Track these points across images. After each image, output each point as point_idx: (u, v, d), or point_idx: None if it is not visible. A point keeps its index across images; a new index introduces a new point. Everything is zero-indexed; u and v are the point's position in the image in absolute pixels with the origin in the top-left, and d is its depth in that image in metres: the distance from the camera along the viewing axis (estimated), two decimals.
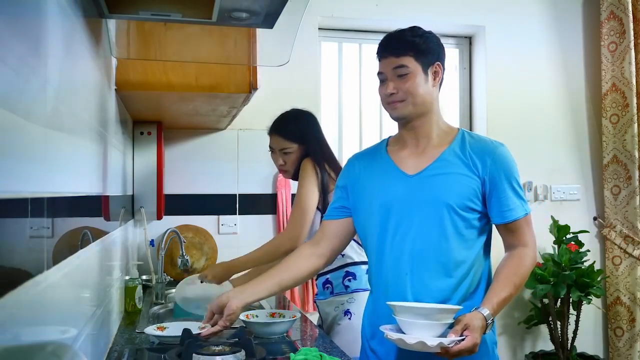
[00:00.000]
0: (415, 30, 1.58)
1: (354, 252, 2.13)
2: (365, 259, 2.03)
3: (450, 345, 1.32)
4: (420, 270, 1.51)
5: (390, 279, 1.56)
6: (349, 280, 2.12)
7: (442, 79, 1.61)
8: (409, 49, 1.54)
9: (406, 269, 1.53)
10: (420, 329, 1.36)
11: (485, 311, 1.40)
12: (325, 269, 2.06)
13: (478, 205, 1.52)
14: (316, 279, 2.22)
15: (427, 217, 1.51)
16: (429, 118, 1.58)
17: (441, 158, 1.55)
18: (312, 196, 2.09)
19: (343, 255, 2.10)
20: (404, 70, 1.54)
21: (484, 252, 1.57)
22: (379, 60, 1.58)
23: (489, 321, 1.40)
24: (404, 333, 1.38)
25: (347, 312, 2.08)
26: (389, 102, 1.57)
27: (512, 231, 1.55)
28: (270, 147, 2.25)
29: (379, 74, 1.59)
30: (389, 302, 1.45)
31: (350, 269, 2.13)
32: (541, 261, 3.17)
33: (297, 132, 2.18)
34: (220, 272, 2.14)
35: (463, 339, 1.34)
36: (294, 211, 2.12)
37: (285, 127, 2.20)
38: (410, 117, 1.58)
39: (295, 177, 2.21)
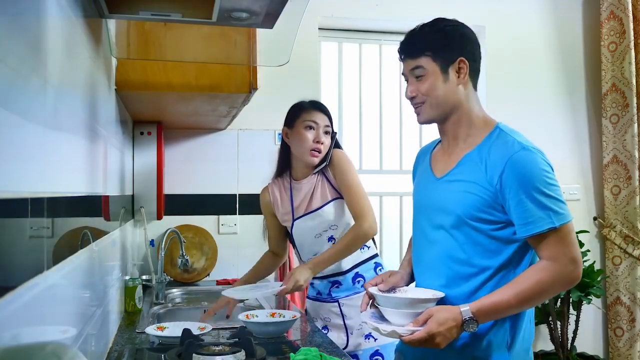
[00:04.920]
0: (435, 25, 1.50)
1: (372, 244, 2.21)
2: (376, 250, 2.22)
3: (403, 334, 1.35)
4: (439, 275, 1.49)
5: (420, 280, 1.57)
6: (380, 270, 2.17)
7: (477, 70, 1.50)
8: (425, 49, 1.47)
9: (429, 273, 1.53)
10: (393, 316, 1.41)
11: (464, 307, 1.34)
12: (355, 262, 2.13)
13: (494, 215, 1.39)
14: (336, 276, 2.14)
15: (442, 224, 1.48)
16: (457, 118, 1.49)
17: (461, 162, 1.46)
18: (360, 181, 2.11)
19: (369, 248, 2.17)
20: (421, 72, 1.47)
21: (517, 260, 1.42)
22: (401, 61, 1.54)
23: (466, 317, 1.33)
24: (386, 319, 1.45)
25: None
26: (412, 105, 1.52)
27: (537, 245, 1.37)
28: (313, 122, 2.09)
29: (403, 74, 1.54)
30: (370, 289, 1.51)
31: (377, 260, 2.20)
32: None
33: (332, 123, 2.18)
34: (307, 274, 2.00)
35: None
36: (358, 197, 2.06)
37: (329, 111, 2.17)
38: (435, 121, 1.52)
39: (321, 162, 2.13)
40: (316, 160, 2.11)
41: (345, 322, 2.13)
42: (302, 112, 2.12)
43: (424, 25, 1.51)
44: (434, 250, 1.50)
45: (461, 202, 1.42)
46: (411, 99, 1.51)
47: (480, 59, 1.53)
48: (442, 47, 1.47)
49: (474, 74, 1.50)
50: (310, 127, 2.09)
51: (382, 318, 1.46)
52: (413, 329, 1.34)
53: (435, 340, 1.32)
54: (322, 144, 2.09)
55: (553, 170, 1.41)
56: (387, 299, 1.44)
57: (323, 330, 2.06)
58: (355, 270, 2.14)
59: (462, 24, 1.53)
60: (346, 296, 2.14)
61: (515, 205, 1.35)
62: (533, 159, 1.38)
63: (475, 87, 1.52)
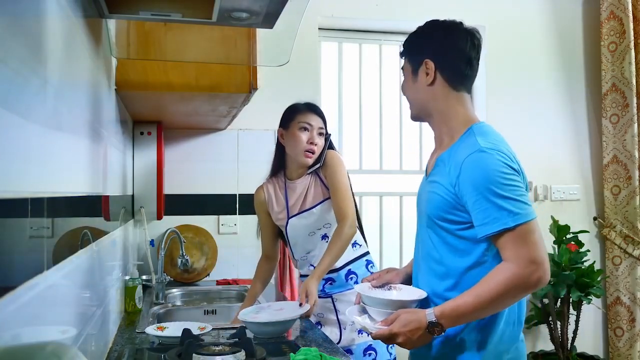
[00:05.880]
0: (418, 28, 1.57)
1: (364, 242, 2.27)
2: (367, 248, 2.27)
3: (372, 330, 1.43)
4: (421, 273, 1.55)
5: (413, 275, 1.62)
6: (371, 267, 2.25)
7: (457, 71, 1.48)
8: (405, 51, 1.57)
9: (417, 269, 1.58)
10: (372, 313, 1.50)
11: (429, 311, 1.36)
12: (347, 260, 2.18)
13: (459, 216, 1.41)
14: (330, 274, 2.18)
15: (422, 224, 1.54)
16: (436, 119, 1.53)
17: (437, 163, 1.50)
18: (348, 182, 2.16)
19: (360, 246, 2.23)
20: (403, 72, 1.58)
21: (490, 260, 1.40)
22: None
23: (431, 320, 1.34)
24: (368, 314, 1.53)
25: None
26: None
27: (498, 246, 1.35)
28: (307, 123, 2.14)
29: None
30: (356, 286, 1.60)
31: (368, 257, 2.26)
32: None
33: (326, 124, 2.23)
34: (315, 285, 2.00)
35: None
36: (343, 199, 2.10)
37: (323, 113, 2.22)
38: (418, 118, 1.59)
39: (315, 163, 2.18)
40: (310, 161, 2.16)
41: (339, 317, 2.18)
42: (297, 114, 2.17)
43: (416, 28, 1.58)
44: (420, 249, 1.56)
45: (430, 203, 1.47)
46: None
47: (459, 60, 1.49)
48: (411, 49, 1.54)
49: (452, 75, 1.49)
50: (305, 129, 2.14)
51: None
52: (380, 327, 1.42)
53: (397, 339, 1.38)
54: (315, 145, 2.13)
55: (517, 173, 1.39)
56: (368, 298, 1.52)
57: (316, 326, 2.09)
58: (348, 267, 2.20)
59: (441, 24, 1.53)
60: (339, 292, 2.19)
61: (472, 207, 1.36)
62: (486, 160, 1.36)
63: (457, 88, 1.50)
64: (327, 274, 2.18)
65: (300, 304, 1.94)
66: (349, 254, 2.19)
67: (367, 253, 2.27)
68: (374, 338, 1.44)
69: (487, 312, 1.37)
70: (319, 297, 2.20)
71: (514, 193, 1.34)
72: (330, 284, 2.20)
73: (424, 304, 1.48)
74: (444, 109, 1.50)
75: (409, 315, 1.38)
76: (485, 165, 1.35)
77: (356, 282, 2.19)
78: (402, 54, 1.59)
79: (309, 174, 2.20)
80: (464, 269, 1.43)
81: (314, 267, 2.17)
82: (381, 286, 1.60)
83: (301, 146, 2.13)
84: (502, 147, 1.40)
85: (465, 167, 1.37)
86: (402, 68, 1.59)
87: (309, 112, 2.17)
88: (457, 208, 1.40)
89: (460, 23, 1.54)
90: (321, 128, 2.17)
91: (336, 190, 2.12)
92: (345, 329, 2.17)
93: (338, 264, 2.18)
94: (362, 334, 2.14)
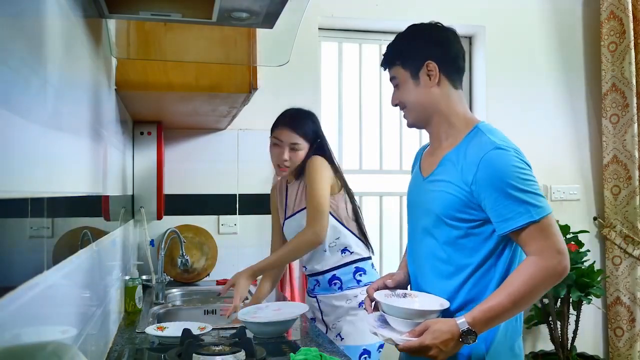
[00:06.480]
0: (402, 33, 1.56)
1: (360, 248, 2.23)
2: (369, 254, 2.23)
3: (399, 343, 1.37)
4: (423, 273, 1.53)
5: (412, 277, 1.60)
6: (360, 275, 2.21)
7: (456, 68, 1.52)
8: (395, 59, 1.54)
9: (417, 271, 1.56)
10: (395, 323, 1.43)
11: (460, 319, 1.34)
12: (332, 265, 2.18)
13: (471, 214, 1.41)
14: (315, 276, 2.24)
15: (425, 224, 1.51)
16: (436, 120, 1.53)
17: (441, 162, 1.49)
18: (326, 189, 2.12)
19: (352, 252, 2.20)
20: (395, 81, 1.56)
21: (496, 256, 1.43)
22: None
23: (464, 329, 1.32)
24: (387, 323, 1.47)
25: (362, 303, 2.08)
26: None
27: (521, 241, 1.37)
28: (277, 139, 2.18)
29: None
30: (376, 295, 1.50)
31: (360, 264, 2.22)
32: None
33: (311, 132, 2.20)
34: (245, 280, 2.08)
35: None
36: (312, 207, 2.10)
37: (302, 124, 2.20)
38: (419, 124, 1.58)
39: (294, 175, 2.25)
40: (284, 174, 2.23)
41: (324, 318, 2.22)
42: (274, 128, 2.23)
43: (396, 35, 1.57)
44: (421, 250, 1.54)
45: (439, 202, 1.45)
46: (395, 106, 1.58)
47: (458, 57, 1.54)
48: (408, 54, 1.52)
49: (452, 73, 1.52)
50: (276, 144, 2.20)
51: (387, 321, 1.48)
52: (409, 339, 1.36)
53: (430, 352, 1.33)
54: (286, 160, 2.16)
55: (530, 168, 1.42)
56: (390, 307, 1.44)
57: (313, 322, 2.15)
58: (332, 272, 2.20)
59: (430, 25, 1.55)
60: (323, 294, 2.23)
61: (492, 204, 1.36)
62: (505, 157, 1.38)
63: (456, 86, 1.54)
64: (313, 275, 2.23)
65: (219, 294, 2.03)
66: (336, 259, 2.18)
67: (361, 260, 2.22)
68: (401, 350, 1.39)
69: (518, 309, 1.38)
70: (312, 296, 2.26)
71: (532, 187, 1.37)
72: (318, 285, 2.25)
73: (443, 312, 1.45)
74: (445, 108, 1.52)
75: (439, 325, 1.34)
76: (505, 162, 1.37)
77: (340, 288, 2.18)
78: (389, 64, 1.56)
79: (298, 179, 2.26)
80: (473, 266, 1.43)
81: (306, 269, 2.26)
82: (395, 294, 1.54)
83: (274, 160, 2.22)
84: (513, 145, 1.44)
85: (483, 165, 1.38)
86: (391, 78, 1.56)
87: (283, 128, 2.18)
88: (470, 206, 1.41)
89: (439, 23, 1.56)
90: (294, 144, 2.16)
91: (309, 195, 2.12)
92: (331, 329, 2.21)
93: (320, 268, 2.20)
94: (337, 337, 2.17)
